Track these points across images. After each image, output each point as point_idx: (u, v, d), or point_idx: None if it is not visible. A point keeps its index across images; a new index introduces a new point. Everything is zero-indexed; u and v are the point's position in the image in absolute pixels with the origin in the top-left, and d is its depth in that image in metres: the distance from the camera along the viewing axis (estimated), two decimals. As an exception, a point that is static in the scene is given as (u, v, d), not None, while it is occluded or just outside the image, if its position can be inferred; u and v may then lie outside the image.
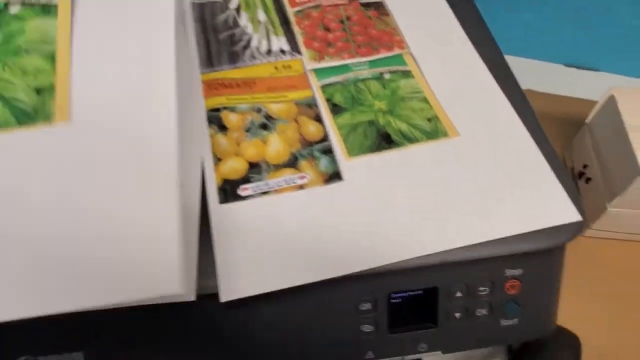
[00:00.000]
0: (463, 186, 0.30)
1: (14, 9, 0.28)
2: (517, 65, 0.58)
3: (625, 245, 0.43)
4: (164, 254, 0.22)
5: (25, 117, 0.26)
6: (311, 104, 0.35)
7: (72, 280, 0.21)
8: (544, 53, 0.57)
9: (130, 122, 0.25)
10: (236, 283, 0.26)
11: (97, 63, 0.27)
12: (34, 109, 0.26)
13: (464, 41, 0.39)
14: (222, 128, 0.33)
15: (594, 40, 0.54)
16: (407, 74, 0.37)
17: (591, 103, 0.52)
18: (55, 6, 0.28)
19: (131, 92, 0.26)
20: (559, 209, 0.29)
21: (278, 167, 0.31)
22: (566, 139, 0.49)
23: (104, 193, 0.23)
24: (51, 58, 0.27)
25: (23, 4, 0.28)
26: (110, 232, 0.22)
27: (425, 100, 0.35)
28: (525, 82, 0.56)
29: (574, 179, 0.46)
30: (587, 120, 0.44)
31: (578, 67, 0.57)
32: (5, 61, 0.27)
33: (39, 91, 0.27)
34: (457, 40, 0.40)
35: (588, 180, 0.43)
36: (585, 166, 0.44)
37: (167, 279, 0.21)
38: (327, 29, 0.40)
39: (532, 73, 0.57)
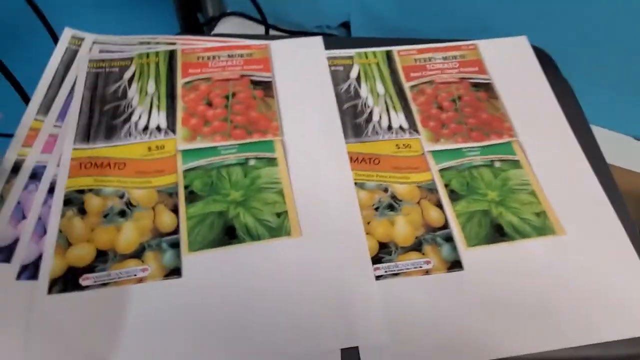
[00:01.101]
0: (570, 288, 0.34)
1: (252, 162, 0.39)
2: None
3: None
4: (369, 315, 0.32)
5: (274, 231, 0.36)
6: (432, 189, 0.39)
7: (317, 336, 0.32)
8: (615, 125, 0.60)
9: (338, 229, 0.36)
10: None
11: (309, 195, 0.37)
12: (277, 227, 0.36)
13: (566, 131, 0.43)
14: (353, 204, 0.38)
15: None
16: (515, 164, 0.41)
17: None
18: (276, 158, 0.39)
19: (334, 210, 0.37)
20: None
21: (405, 249, 0.36)
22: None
23: (333, 273, 0.34)
24: (281, 193, 0.37)
25: (256, 159, 0.39)
26: (338, 303, 0.33)
27: (533, 193, 0.39)
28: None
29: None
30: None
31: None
32: (254, 196, 0.37)
33: (278, 215, 0.36)
34: (561, 129, 0.43)
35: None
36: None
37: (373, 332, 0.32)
38: (441, 108, 0.44)
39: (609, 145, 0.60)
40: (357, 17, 0.65)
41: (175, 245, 0.34)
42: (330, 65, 0.46)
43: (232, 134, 0.41)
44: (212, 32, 0.69)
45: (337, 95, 0.44)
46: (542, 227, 0.37)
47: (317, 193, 0.38)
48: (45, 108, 0.40)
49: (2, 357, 0.29)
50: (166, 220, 0.35)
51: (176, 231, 0.35)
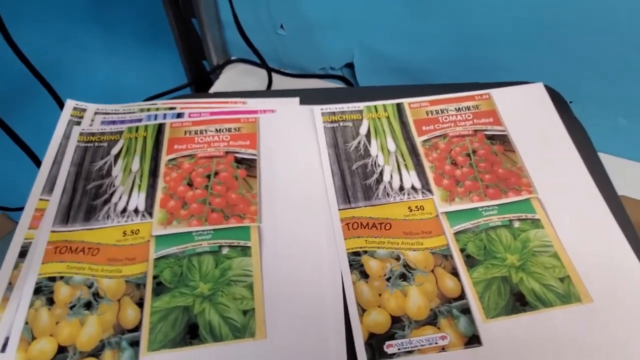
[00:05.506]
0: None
1: (225, 251, 0.39)
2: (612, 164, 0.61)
3: None
4: None
5: (237, 332, 0.35)
6: (447, 255, 0.39)
7: None
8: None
9: (306, 341, 0.35)
10: None
11: (280, 290, 0.37)
12: (242, 327, 0.36)
13: (588, 183, 0.43)
14: (364, 275, 0.38)
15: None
16: (536, 223, 0.41)
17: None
18: (250, 247, 0.39)
19: (306, 318, 0.36)
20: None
21: (419, 323, 0.36)
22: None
23: None
24: (250, 288, 0.37)
25: (230, 247, 0.39)
26: None
27: (556, 256, 0.39)
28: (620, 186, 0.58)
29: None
30: None
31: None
32: (222, 290, 0.37)
33: (245, 313, 0.36)
34: (582, 182, 0.43)
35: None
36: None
37: None
38: (455, 164, 0.44)
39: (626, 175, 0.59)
40: (361, 57, 0.67)
41: (135, 344, 0.34)
42: (338, 121, 0.47)
43: (209, 218, 0.41)
44: (217, 80, 0.71)
45: (346, 155, 0.45)
46: (567, 294, 0.37)
47: (289, 288, 0.38)
48: (50, 186, 0.42)
49: None
50: (129, 315, 0.36)
51: (138, 328, 0.35)
